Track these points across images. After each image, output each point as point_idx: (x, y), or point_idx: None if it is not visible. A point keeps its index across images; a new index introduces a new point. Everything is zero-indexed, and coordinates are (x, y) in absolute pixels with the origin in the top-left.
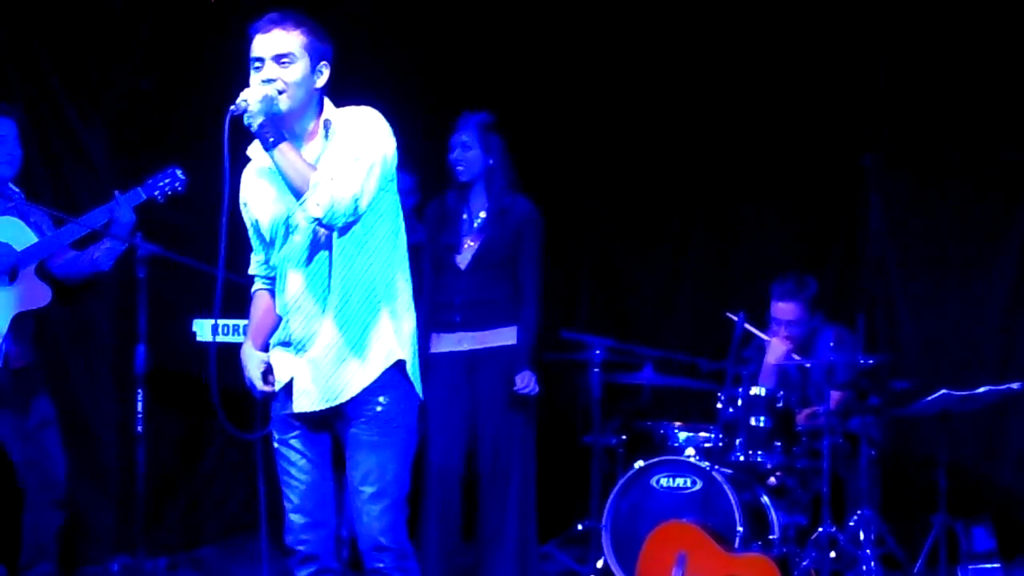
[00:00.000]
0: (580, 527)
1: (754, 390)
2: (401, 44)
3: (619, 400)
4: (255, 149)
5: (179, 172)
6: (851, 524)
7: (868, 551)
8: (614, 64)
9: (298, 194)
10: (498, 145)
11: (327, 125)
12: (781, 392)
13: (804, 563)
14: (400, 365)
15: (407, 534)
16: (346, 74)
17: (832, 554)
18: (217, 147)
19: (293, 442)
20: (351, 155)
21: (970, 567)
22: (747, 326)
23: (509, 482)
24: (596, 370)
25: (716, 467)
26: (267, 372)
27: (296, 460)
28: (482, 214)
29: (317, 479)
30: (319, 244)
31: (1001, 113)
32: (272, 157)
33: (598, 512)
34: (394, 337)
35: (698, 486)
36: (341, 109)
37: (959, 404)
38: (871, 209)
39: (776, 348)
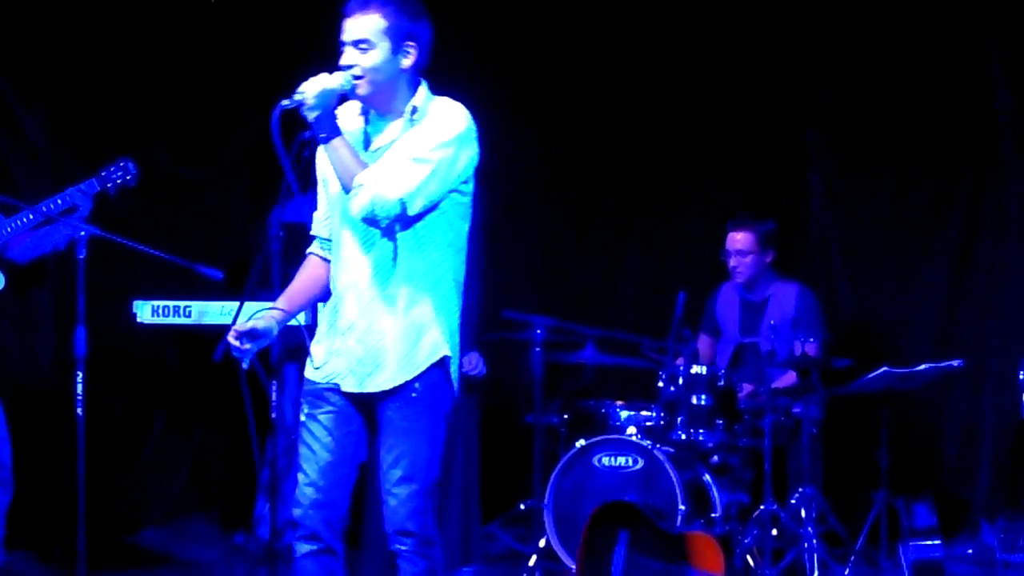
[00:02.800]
0: (523, 507)
1: (695, 369)
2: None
3: (561, 379)
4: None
5: (130, 165)
6: (793, 502)
7: (810, 528)
8: (556, 43)
9: (346, 189)
10: None
11: (414, 111)
12: (722, 371)
13: (746, 541)
14: (444, 362)
15: (435, 521)
16: None
17: (774, 532)
18: (157, 129)
19: (322, 417)
20: (414, 155)
21: (911, 543)
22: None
23: (452, 463)
24: (538, 349)
25: (657, 446)
26: (247, 336)
27: (321, 436)
28: None
29: (337, 460)
30: (384, 231)
31: (943, 92)
32: (325, 151)
33: (540, 491)
34: (442, 334)
35: (640, 465)
36: (436, 99)
37: (900, 382)
38: (812, 186)
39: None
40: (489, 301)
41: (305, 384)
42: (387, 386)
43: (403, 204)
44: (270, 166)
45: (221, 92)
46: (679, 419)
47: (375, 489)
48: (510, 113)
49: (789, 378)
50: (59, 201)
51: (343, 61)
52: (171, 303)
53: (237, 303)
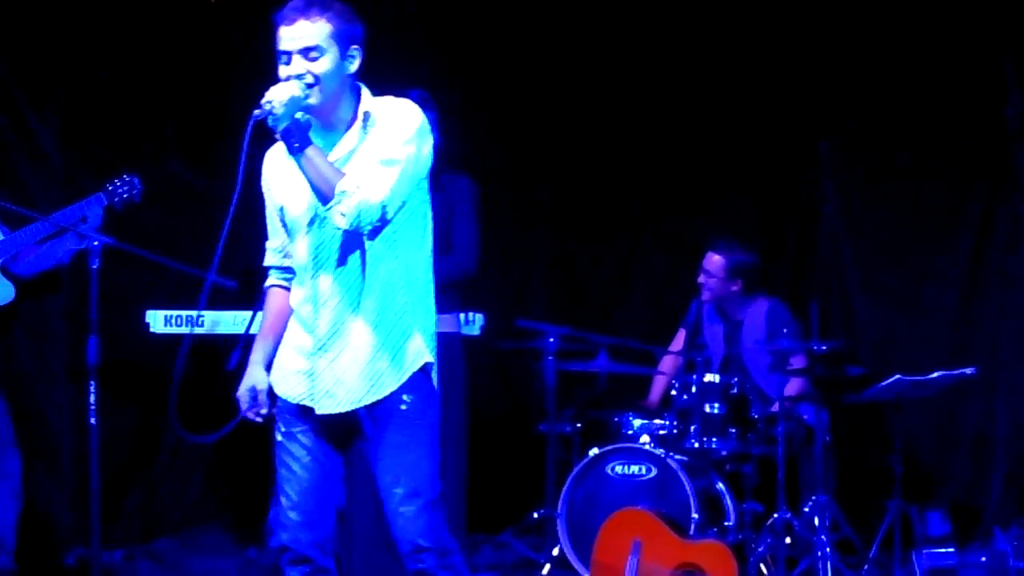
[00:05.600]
0: (536, 515)
1: (708, 377)
2: None
3: (574, 388)
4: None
5: (136, 180)
6: (806, 510)
7: (823, 537)
8: (570, 53)
9: (324, 200)
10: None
11: (367, 117)
12: (736, 379)
13: (760, 549)
14: (427, 368)
15: (448, 530)
16: None
17: (787, 540)
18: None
19: (300, 436)
20: (382, 158)
21: (925, 552)
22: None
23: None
24: (550, 358)
25: (671, 454)
26: (256, 396)
27: (300, 456)
28: None
29: (320, 478)
30: (352, 241)
31: (956, 101)
32: (298, 162)
33: (554, 500)
34: (423, 339)
35: (653, 473)
36: (379, 99)
37: (913, 389)
38: (826, 196)
39: None
40: (502, 310)
41: (279, 401)
42: (370, 400)
43: (384, 208)
44: None
45: (235, 101)
46: (692, 428)
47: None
48: (523, 122)
49: (796, 385)
50: (67, 213)
51: (291, 71)
52: (184, 313)
53: (250, 313)
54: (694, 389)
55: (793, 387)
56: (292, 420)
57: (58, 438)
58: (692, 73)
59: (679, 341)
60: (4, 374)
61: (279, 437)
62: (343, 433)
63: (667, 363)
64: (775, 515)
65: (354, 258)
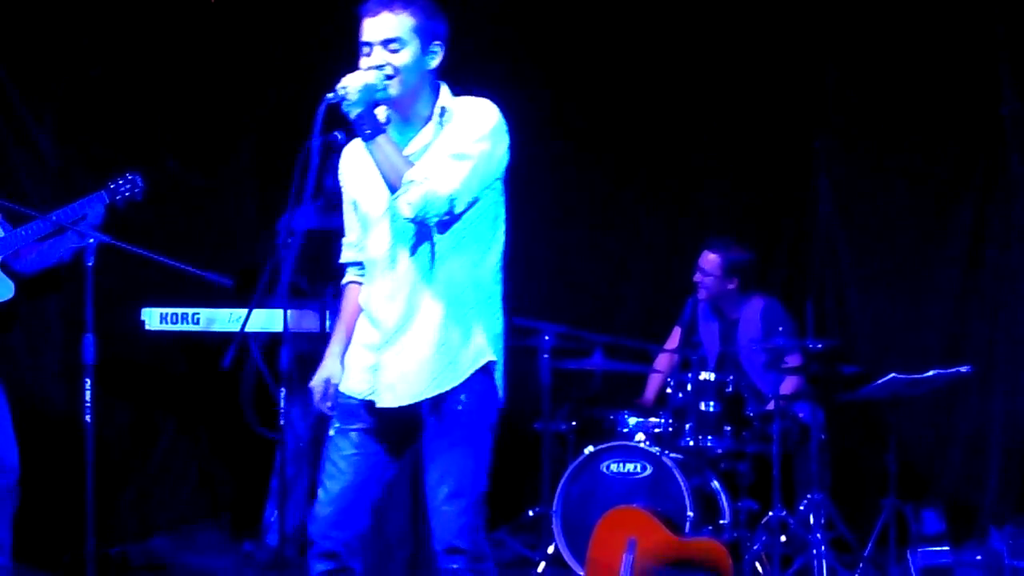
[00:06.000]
0: (531, 513)
1: (703, 375)
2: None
3: (569, 386)
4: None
5: (138, 179)
6: (801, 508)
7: (818, 535)
8: (566, 53)
9: (392, 189)
10: None
11: (443, 112)
12: (731, 376)
13: (755, 547)
14: (489, 367)
15: (485, 535)
16: None
17: (783, 538)
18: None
19: (353, 434)
20: (454, 151)
21: (920, 550)
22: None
23: None
24: (546, 356)
25: (666, 452)
26: (328, 389)
27: (349, 453)
28: None
29: (362, 479)
30: (422, 237)
31: (951, 99)
32: (368, 149)
33: (549, 498)
34: (486, 337)
35: (648, 471)
36: (459, 98)
37: (908, 388)
38: (821, 193)
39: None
40: None
41: (339, 398)
42: (430, 394)
43: (452, 201)
44: (278, 173)
45: (230, 99)
46: (687, 426)
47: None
48: (518, 120)
49: (791, 383)
50: (67, 211)
51: (372, 61)
52: (179, 310)
53: (246, 310)
54: (689, 387)
55: (788, 385)
56: (349, 417)
57: (53, 435)
58: (687, 71)
59: (674, 339)
60: (2, 371)
61: (332, 432)
62: (401, 435)
63: (662, 361)
64: (770, 513)
65: (423, 254)
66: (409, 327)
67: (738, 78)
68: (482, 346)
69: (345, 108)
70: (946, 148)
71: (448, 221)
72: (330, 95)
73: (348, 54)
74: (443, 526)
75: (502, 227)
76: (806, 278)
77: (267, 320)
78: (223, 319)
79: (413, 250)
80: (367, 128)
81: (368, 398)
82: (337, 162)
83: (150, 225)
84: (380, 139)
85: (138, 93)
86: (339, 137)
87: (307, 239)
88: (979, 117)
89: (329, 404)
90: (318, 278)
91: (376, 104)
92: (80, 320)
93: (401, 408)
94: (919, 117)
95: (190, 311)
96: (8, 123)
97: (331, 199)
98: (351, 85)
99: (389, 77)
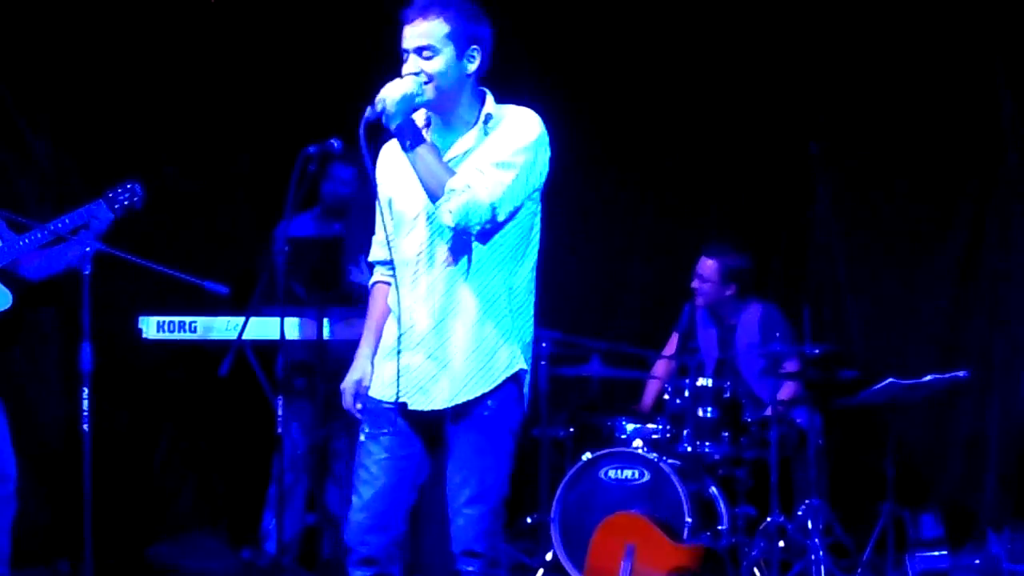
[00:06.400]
0: (529, 520)
1: (701, 381)
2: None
3: (567, 392)
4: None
5: (138, 188)
6: (799, 513)
7: (816, 540)
8: (562, 58)
9: (433, 198)
10: None
11: (488, 119)
12: (729, 382)
13: (753, 553)
14: (520, 375)
15: (502, 541)
16: None
17: (781, 544)
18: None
19: (384, 438)
20: (497, 160)
21: (918, 555)
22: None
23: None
24: (543, 363)
25: (664, 458)
26: (359, 391)
27: (381, 458)
28: None
29: (394, 483)
30: (460, 243)
31: (948, 104)
32: (409, 159)
33: (547, 505)
34: (518, 346)
35: (646, 478)
36: (504, 106)
37: (906, 392)
38: (818, 197)
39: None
40: None
41: (368, 403)
42: (463, 399)
43: (494, 209)
44: (275, 182)
45: (227, 108)
46: (685, 432)
47: (434, 509)
48: None
49: (789, 389)
50: (67, 220)
51: (406, 69)
52: (176, 318)
53: (243, 318)
54: (687, 393)
55: (786, 391)
56: (378, 421)
57: (51, 444)
58: (683, 77)
59: (672, 345)
60: (1, 380)
61: (362, 438)
62: (431, 437)
63: (660, 367)
64: (768, 519)
65: (460, 259)
66: (440, 333)
67: (735, 84)
68: (515, 354)
69: (384, 122)
70: (943, 153)
71: (490, 230)
72: (368, 112)
73: (349, 61)
74: (463, 529)
75: (537, 238)
76: (804, 284)
77: (264, 328)
78: (220, 327)
79: (449, 256)
80: (408, 139)
81: (399, 401)
82: (335, 169)
83: (147, 233)
84: (420, 149)
85: (135, 103)
86: (335, 145)
87: (305, 247)
88: (976, 122)
89: (360, 406)
90: (315, 286)
91: (415, 110)
92: (78, 328)
93: (430, 412)
94: (917, 123)
95: (187, 319)
96: (5, 133)
97: (329, 206)
98: (389, 96)
99: (423, 84)
